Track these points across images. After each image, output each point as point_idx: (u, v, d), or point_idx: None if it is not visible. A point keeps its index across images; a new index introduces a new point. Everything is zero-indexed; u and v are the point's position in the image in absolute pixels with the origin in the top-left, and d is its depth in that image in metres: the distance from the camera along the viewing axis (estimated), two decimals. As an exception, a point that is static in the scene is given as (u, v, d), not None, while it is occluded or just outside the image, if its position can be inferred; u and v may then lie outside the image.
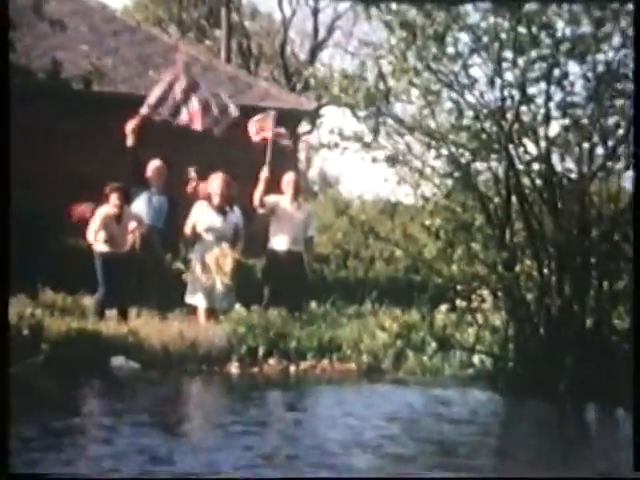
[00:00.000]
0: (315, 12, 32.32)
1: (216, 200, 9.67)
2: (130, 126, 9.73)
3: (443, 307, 9.90)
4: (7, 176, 5.22)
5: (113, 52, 12.39)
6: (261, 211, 9.81)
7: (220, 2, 29.44)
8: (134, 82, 12.42)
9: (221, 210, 9.70)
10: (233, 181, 9.76)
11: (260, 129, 9.93)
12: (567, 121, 8.09)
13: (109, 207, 9.41)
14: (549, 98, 7.95)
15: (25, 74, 9.36)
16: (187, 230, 9.69)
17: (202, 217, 9.67)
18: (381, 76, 7.60)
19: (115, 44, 12.84)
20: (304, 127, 25.13)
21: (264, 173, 9.75)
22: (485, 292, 9.10)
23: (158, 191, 10.11)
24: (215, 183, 9.69)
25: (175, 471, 4.94)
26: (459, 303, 9.58)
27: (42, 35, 11.55)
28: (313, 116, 12.49)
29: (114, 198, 9.38)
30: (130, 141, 9.69)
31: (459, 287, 9.02)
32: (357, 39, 28.58)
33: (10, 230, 5.20)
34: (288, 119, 11.15)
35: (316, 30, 32.57)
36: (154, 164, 10.10)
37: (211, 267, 9.42)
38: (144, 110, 9.76)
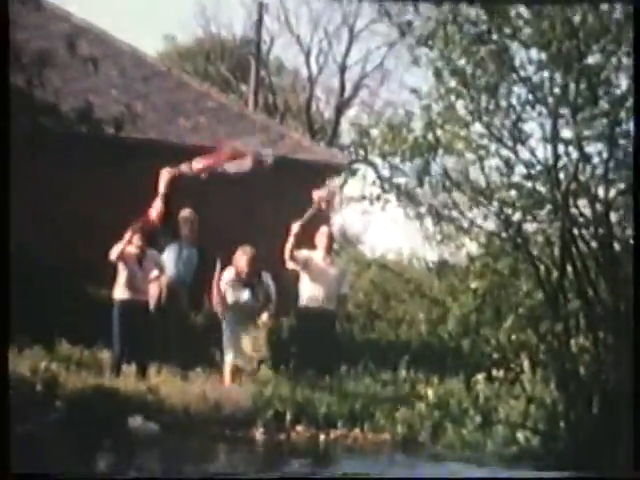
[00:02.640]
0: (342, 70, 32.24)
1: (244, 274, 9.09)
2: (165, 175, 9.24)
3: (479, 376, 9.32)
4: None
5: (143, 97, 12.03)
6: (292, 266, 9.24)
7: (247, 57, 29.37)
8: (164, 128, 12.06)
9: (249, 284, 9.12)
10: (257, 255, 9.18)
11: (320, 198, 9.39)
12: (624, 184, 7.60)
13: (131, 247, 8.96)
14: (609, 158, 7.45)
15: (54, 114, 8.96)
16: (215, 304, 9.10)
17: (230, 290, 9.11)
18: (429, 125, 7.10)
19: (145, 89, 12.50)
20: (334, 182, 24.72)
21: (296, 227, 9.22)
22: (525, 362, 8.54)
23: (188, 242, 9.62)
24: (242, 259, 9.09)
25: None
26: (495, 373, 9.03)
27: (71, 77, 11.22)
28: (345, 170, 12.00)
29: (136, 239, 8.94)
30: (162, 188, 9.20)
31: (496, 355, 8.47)
32: (383, 99, 28.47)
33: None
34: (319, 173, 10.67)
35: (342, 88, 32.43)
36: (185, 213, 9.62)
37: (248, 353, 8.88)
38: (185, 168, 9.29)
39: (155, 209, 9.24)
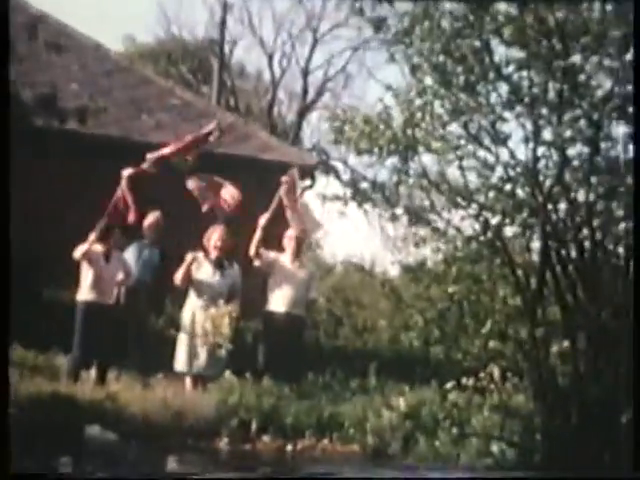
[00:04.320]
0: (305, 73, 31.95)
1: (214, 254, 8.79)
2: (126, 173, 8.86)
3: (449, 385, 9.04)
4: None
5: (105, 92, 11.59)
6: (257, 264, 8.87)
7: (209, 59, 28.99)
8: (126, 125, 11.62)
9: (219, 265, 8.81)
10: (232, 234, 8.89)
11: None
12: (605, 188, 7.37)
13: (96, 247, 8.57)
14: (591, 160, 7.21)
15: (14, 102, 8.49)
16: (177, 281, 8.75)
17: (197, 270, 8.76)
18: (408, 122, 6.80)
19: (107, 84, 12.06)
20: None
21: (262, 220, 8.85)
22: (495, 370, 8.27)
23: (150, 243, 9.26)
24: (214, 236, 8.81)
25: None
26: (465, 381, 8.75)
27: (30, 69, 10.75)
28: (313, 171, 11.69)
29: (103, 234, 8.54)
30: (125, 188, 8.81)
31: (466, 364, 8.20)
32: (345, 104, 28.21)
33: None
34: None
35: (305, 91, 32.14)
36: (153, 216, 9.26)
37: (205, 329, 8.48)
38: (145, 166, 8.94)
39: (120, 209, 8.87)
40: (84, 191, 10.55)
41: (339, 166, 24.14)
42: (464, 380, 8.73)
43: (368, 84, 30.23)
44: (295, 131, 30.97)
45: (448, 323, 7.85)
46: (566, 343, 7.13)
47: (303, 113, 32.12)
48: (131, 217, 8.82)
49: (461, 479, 4.00)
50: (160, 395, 7.90)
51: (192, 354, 8.63)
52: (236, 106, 32.21)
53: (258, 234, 8.80)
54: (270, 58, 30.49)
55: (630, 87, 7.30)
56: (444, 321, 7.90)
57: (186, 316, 8.77)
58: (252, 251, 8.78)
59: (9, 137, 5.35)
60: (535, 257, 7.33)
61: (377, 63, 29.25)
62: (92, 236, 8.51)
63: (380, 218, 7.20)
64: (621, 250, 7.25)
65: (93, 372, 8.51)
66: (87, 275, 8.58)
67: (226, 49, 28.82)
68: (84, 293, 8.58)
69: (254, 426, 7.81)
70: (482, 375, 8.45)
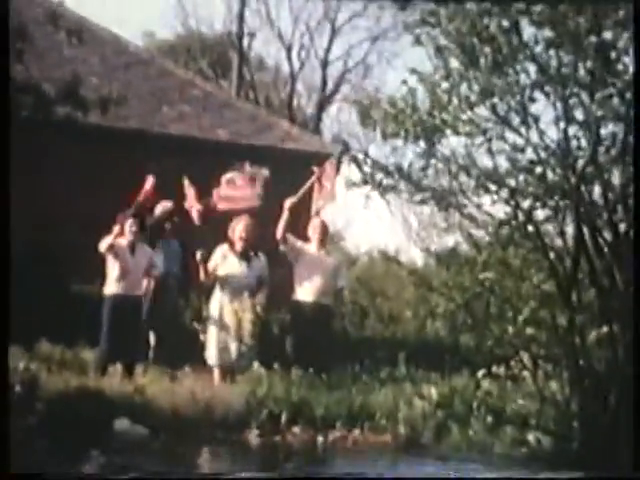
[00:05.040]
0: (324, 65, 31.78)
1: (239, 246, 8.67)
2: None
3: (481, 373, 8.88)
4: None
5: (125, 85, 11.50)
6: (283, 249, 8.72)
7: (227, 53, 28.88)
8: (147, 117, 11.53)
9: (245, 256, 8.70)
10: (257, 224, 8.76)
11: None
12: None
13: (122, 239, 8.47)
14: (625, 140, 7.01)
15: (35, 92, 8.41)
16: (204, 276, 8.65)
17: (223, 263, 8.65)
18: (436, 104, 6.64)
19: (127, 77, 11.97)
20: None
21: (288, 203, 8.70)
22: (526, 357, 8.11)
23: (169, 234, 9.18)
24: (238, 227, 8.70)
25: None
26: (496, 369, 8.60)
27: (51, 62, 10.70)
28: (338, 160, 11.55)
29: (130, 224, 8.43)
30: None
31: (498, 351, 8.04)
32: (367, 93, 28.02)
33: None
34: (309, 163, 10.17)
35: (324, 83, 31.96)
36: (165, 206, 9.15)
37: (229, 324, 8.39)
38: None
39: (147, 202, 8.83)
40: (106, 184, 10.47)
41: (360, 157, 24.01)
42: (495, 368, 8.60)
43: (387, 74, 30.08)
44: (315, 123, 30.83)
45: (476, 310, 7.69)
46: (603, 328, 6.92)
47: (322, 105, 31.96)
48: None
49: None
50: (188, 388, 7.80)
51: (221, 347, 8.53)
52: (255, 99, 32.10)
53: (285, 216, 8.66)
54: (288, 50, 30.33)
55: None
56: (471, 309, 7.75)
57: (214, 309, 8.67)
58: (279, 234, 8.64)
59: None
60: (569, 241, 7.13)
61: (397, 52, 29.04)
62: (116, 229, 8.43)
63: (403, 207, 7.03)
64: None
65: (120, 366, 8.44)
66: (113, 268, 8.50)
67: (244, 42, 28.71)
68: (111, 286, 8.50)
69: (284, 418, 7.69)
70: (513, 363, 8.32)
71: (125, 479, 3.80)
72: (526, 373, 8.14)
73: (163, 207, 9.18)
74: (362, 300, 16.00)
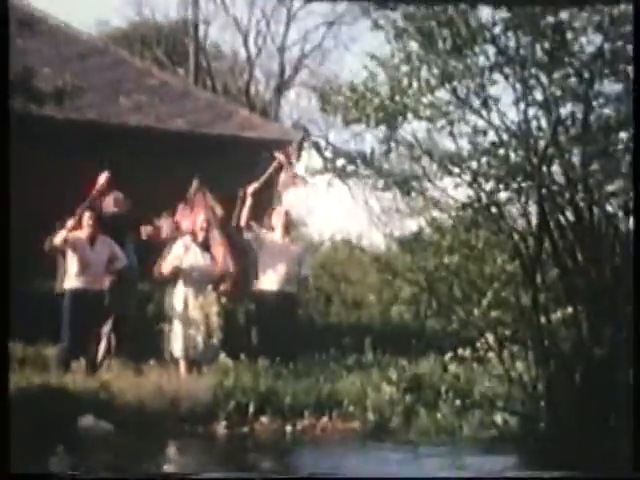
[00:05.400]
0: (281, 51, 31.60)
1: (201, 236, 8.57)
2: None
3: (447, 357, 8.89)
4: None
5: (80, 76, 11.29)
6: (247, 236, 8.63)
7: (183, 40, 28.60)
8: (103, 108, 11.35)
9: (207, 247, 8.60)
10: (219, 211, 8.67)
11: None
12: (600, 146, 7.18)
13: (79, 232, 8.34)
14: (585, 119, 7.01)
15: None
16: (166, 270, 8.54)
17: (186, 255, 8.54)
18: (396, 88, 6.59)
19: (82, 67, 11.77)
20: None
21: (251, 189, 8.60)
22: (491, 338, 8.12)
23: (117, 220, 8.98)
24: (199, 217, 8.60)
25: None
26: (462, 352, 8.62)
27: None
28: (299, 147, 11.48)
29: (87, 218, 8.30)
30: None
31: (462, 334, 8.05)
32: (325, 78, 27.92)
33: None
34: (270, 150, 10.07)
35: (282, 69, 31.79)
36: (115, 197, 8.97)
37: (196, 318, 8.31)
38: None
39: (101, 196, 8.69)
40: (62, 177, 10.29)
41: (321, 143, 23.91)
42: (461, 351, 8.61)
43: (345, 59, 29.98)
44: (274, 109, 30.66)
45: (440, 294, 7.69)
46: (568, 308, 6.94)
47: (281, 91, 31.79)
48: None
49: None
50: (154, 382, 7.73)
51: (187, 340, 8.45)
52: (213, 87, 31.83)
53: (248, 202, 8.56)
54: (245, 37, 30.08)
55: (620, 43, 7.13)
56: (436, 292, 7.74)
57: (178, 302, 8.58)
58: (243, 221, 8.54)
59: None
60: (532, 222, 7.13)
61: (354, 36, 28.96)
62: (70, 222, 8.30)
63: (364, 193, 6.99)
64: (618, 210, 7.08)
65: (83, 361, 8.32)
66: (72, 262, 8.36)
67: (200, 30, 28.44)
68: (71, 281, 8.36)
69: (251, 408, 7.65)
70: (479, 345, 8.33)
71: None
72: (492, 355, 8.17)
73: (114, 198, 9.00)
74: (326, 286, 15.97)
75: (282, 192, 8.76)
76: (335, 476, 4.12)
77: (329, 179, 7.55)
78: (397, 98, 6.65)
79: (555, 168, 7.23)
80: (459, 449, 7.18)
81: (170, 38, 30.34)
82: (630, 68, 7.12)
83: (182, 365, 8.49)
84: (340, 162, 7.47)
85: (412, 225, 7.62)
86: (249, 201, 8.54)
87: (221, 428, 7.53)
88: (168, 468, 6.67)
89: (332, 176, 7.48)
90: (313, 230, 25.95)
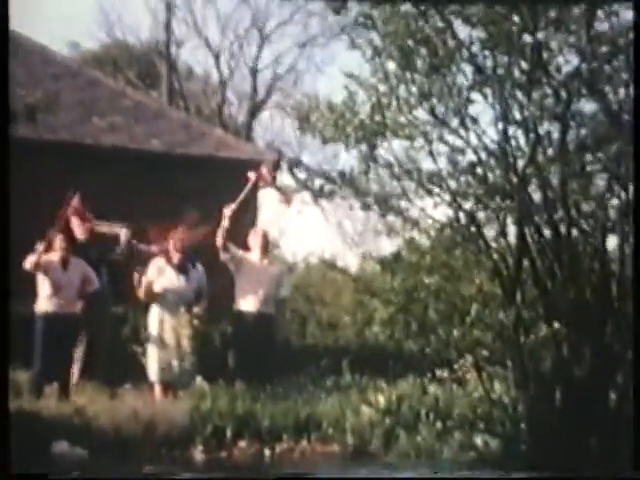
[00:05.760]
0: (254, 72, 31.61)
1: (176, 257, 8.46)
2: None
3: (425, 379, 8.82)
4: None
5: (53, 96, 11.18)
6: (224, 257, 8.52)
7: (155, 62, 28.53)
8: (77, 129, 11.23)
9: (182, 269, 8.49)
10: (194, 233, 8.58)
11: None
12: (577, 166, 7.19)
13: (51, 254, 8.20)
14: (563, 139, 7.02)
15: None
16: (141, 293, 8.42)
17: (160, 277, 8.43)
18: (375, 107, 6.56)
19: (55, 87, 11.65)
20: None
21: (228, 211, 8.50)
22: (469, 359, 8.09)
23: (89, 244, 8.86)
24: (173, 240, 8.48)
25: None
26: (440, 373, 8.58)
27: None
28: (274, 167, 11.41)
29: (60, 240, 8.16)
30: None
31: (440, 355, 8.01)
32: (296, 101, 27.93)
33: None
34: (245, 171, 10.00)
35: (255, 91, 31.79)
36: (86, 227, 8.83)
37: (169, 340, 8.19)
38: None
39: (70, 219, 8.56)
40: (35, 198, 10.14)
41: (297, 163, 23.84)
42: (439, 372, 8.56)
43: (318, 81, 30.00)
44: (247, 131, 30.62)
45: (417, 314, 7.63)
46: (547, 328, 6.90)
47: (254, 113, 31.75)
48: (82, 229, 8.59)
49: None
50: (130, 406, 7.58)
51: (162, 364, 8.32)
52: (186, 108, 31.75)
53: (225, 224, 8.45)
54: (217, 58, 30.05)
55: (595, 64, 7.16)
56: (413, 313, 7.69)
57: (152, 324, 8.45)
58: (219, 242, 8.42)
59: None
60: (511, 241, 7.11)
61: (327, 57, 29.04)
62: (41, 246, 8.17)
63: (337, 213, 6.96)
64: (596, 229, 7.07)
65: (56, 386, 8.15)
66: (43, 285, 8.22)
67: (172, 51, 28.40)
68: (43, 304, 8.21)
69: (229, 432, 7.52)
70: (456, 367, 8.29)
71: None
72: (471, 376, 8.13)
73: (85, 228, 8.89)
74: (301, 308, 15.89)
75: (286, 206, 8.67)
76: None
77: (302, 199, 7.51)
78: (377, 117, 6.61)
79: (533, 187, 7.24)
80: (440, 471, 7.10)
81: (142, 60, 30.24)
82: (608, 87, 7.19)
83: (157, 389, 8.35)
84: (317, 182, 7.43)
85: (387, 246, 7.57)
86: (226, 222, 8.44)
87: (198, 453, 7.40)
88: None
89: (308, 196, 7.45)
90: (286, 252, 25.89)
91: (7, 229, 5.01)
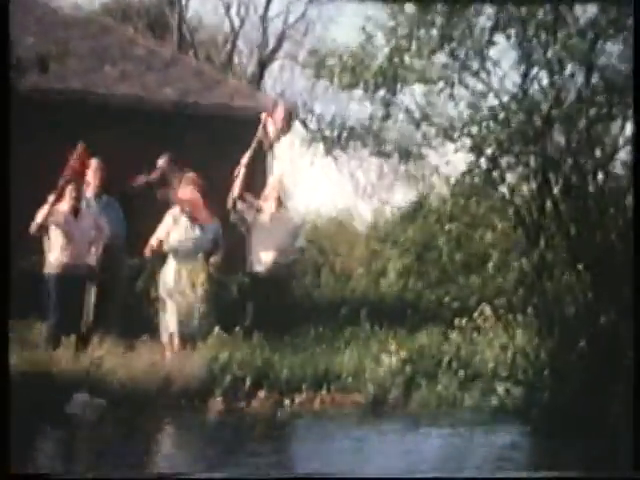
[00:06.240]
0: (264, 22, 31.18)
1: (191, 208, 8.32)
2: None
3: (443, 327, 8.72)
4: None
5: (64, 44, 10.95)
6: (240, 207, 8.38)
7: (165, 13, 28.16)
8: (88, 77, 11.04)
9: (197, 219, 8.35)
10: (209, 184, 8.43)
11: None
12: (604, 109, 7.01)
13: (62, 206, 8.09)
14: (588, 80, 6.83)
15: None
16: (154, 243, 8.30)
17: (175, 229, 8.29)
18: (395, 51, 6.36)
19: (66, 36, 11.43)
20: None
21: (245, 159, 8.35)
22: (487, 308, 7.99)
23: (105, 192, 8.69)
24: (189, 189, 8.34)
25: None
26: (458, 322, 8.46)
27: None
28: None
29: (70, 190, 8.03)
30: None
31: (457, 304, 7.92)
32: (307, 50, 27.54)
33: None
34: (260, 120, 9.79)
35: (265, 40, 31.39)
36: (95, 162, 8.66)
37: (185, 288, 8.09)
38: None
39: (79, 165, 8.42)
40: (47, 148, 10.01)
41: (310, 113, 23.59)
42: (457, 321, 8.46)
43: (330, 30, 29.51)
44: (257, 81, 30.29)
45: (439, 263, 7.53)
46: (572, 273, 6.78)
47: (264, 63, 31.40)
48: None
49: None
50: (147, 358, 7.52)
51: (180, 314, 8.24)
52: (196, 58, 31.41)
53: (242, 173, 8.30)
54: (227, 9, 29.62)
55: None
56: (432, 262, 7.59)
57: (169, 275, 8.34)
58: (236, 192, 8.29)
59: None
60: (534, 186, 6.96)
61: (339, 6, 28.50)
62: (51, 197, 8.06)
63: (349, 164, 6.80)
64: (622, 173, 6.91)
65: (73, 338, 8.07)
66: (56, 236, 8.11)
67: (182, 1, 28.03)
68: (55, 257, 8.10)
69: (248, 382, 7.46)
70: (476, 314, 8.18)
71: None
72: (490, 324, 8.02)
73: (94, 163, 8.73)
74: (315, 258, 15.79)
75: (274, 143, 8.48)
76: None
77: (315, 150, 7.36)
78: (396, 60, 6.42)
79: (558, 132, 7.08)
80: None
81: (152, 10, 29.88)
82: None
83: (175, 340, 8.28)
84: (335, 132, 7.27)
85: (401, 197, 7.42)
86: (242, 171, 8.30)
87: (218, 404, 7.35)
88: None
89: (324, 147, 7.29)
90: (299, 203, 25.72)
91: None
